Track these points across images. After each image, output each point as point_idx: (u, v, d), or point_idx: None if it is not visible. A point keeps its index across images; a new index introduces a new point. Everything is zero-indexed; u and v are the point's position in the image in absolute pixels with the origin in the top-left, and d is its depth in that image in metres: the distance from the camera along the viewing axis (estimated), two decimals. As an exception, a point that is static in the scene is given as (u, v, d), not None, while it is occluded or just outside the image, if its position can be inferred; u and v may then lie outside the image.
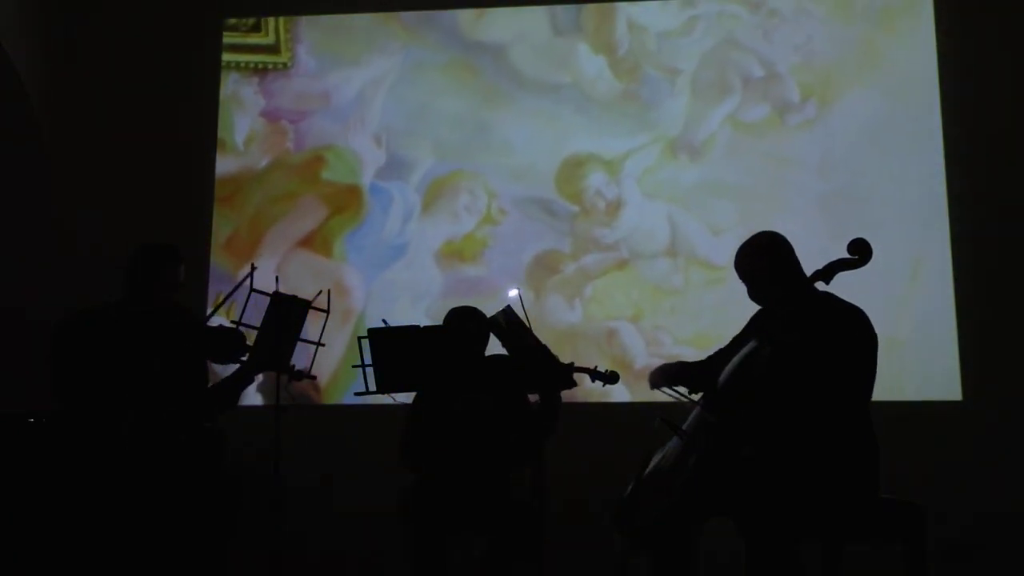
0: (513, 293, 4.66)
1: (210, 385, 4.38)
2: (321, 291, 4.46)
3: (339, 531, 5.79)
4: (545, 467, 4.34)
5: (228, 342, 4.29)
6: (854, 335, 3.64)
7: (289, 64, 6.51)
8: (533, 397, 4.46)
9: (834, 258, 3.68)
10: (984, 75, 5.95)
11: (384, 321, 4.52)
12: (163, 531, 3.98)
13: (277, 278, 4.49)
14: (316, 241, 6.28)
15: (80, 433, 4.01)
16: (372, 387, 4.37)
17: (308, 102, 6.45)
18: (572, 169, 6.14)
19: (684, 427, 3.77)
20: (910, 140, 5.93)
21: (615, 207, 6.07)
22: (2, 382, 5.48)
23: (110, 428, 4.00)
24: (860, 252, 3.63)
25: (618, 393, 5.54)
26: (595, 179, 6.12)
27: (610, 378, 4.31)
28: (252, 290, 4.28)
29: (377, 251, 6.18)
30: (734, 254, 3.93)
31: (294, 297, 4.42)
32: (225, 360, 4.35)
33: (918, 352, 5.73)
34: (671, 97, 6.16)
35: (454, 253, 6.14)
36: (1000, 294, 5.75)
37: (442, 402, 4.44)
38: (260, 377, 4.84)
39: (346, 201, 6.30)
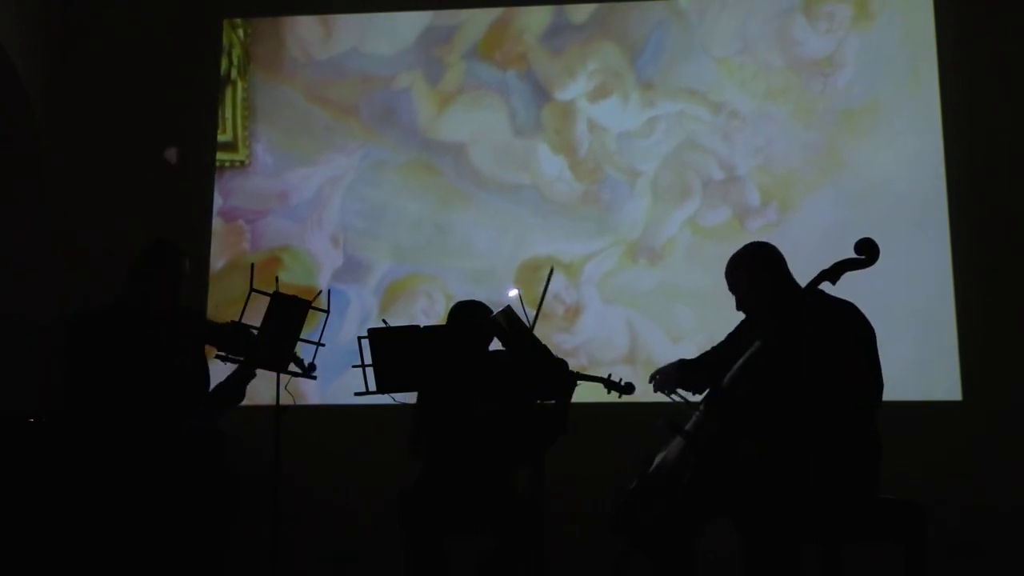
0: (513, 293, 4.67)
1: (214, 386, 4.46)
2: (321, 291, 4.59)
3: (339, 531, 5.79)
4: (544, 467, 4.29)
5: (236, 336, 4.38)
6: (854, 331, 3.74)
7: (247, 162, 6.45)
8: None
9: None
10: (983, 73, 5.98)
11: (384, 321, 4.54)
12: (163, 530, 4.01)
13: (277, 278, 4.57)
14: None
15: (83, 433, 4.05)
16: (372, 387, 4.36)
17: (265, 201, 6.39)
18: (531, 273, 6.07)
19: (687, 427, 3.80)
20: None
21: (574, 312, 5.99)
22: (1, 382, 5.54)
23: (119, 427, 4.04)
24: (867, 252, 3.61)
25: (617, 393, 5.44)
26: (554, 283, 6.00)
27: (626, 389, 4.30)
28: (252, 290, 4.34)
29: (333, 355, 6.05)
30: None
31: (294, 297, 4.49)
32: (235, 352, 4.41)
33: (918, 352, 5.70)
34: (631, 199, 6.12)
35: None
36: (1000, 294, 5.77)
37: (445, 401, 4.45)
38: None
39: (303, 304, 6.20)
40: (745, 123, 6.12)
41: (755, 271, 3.97)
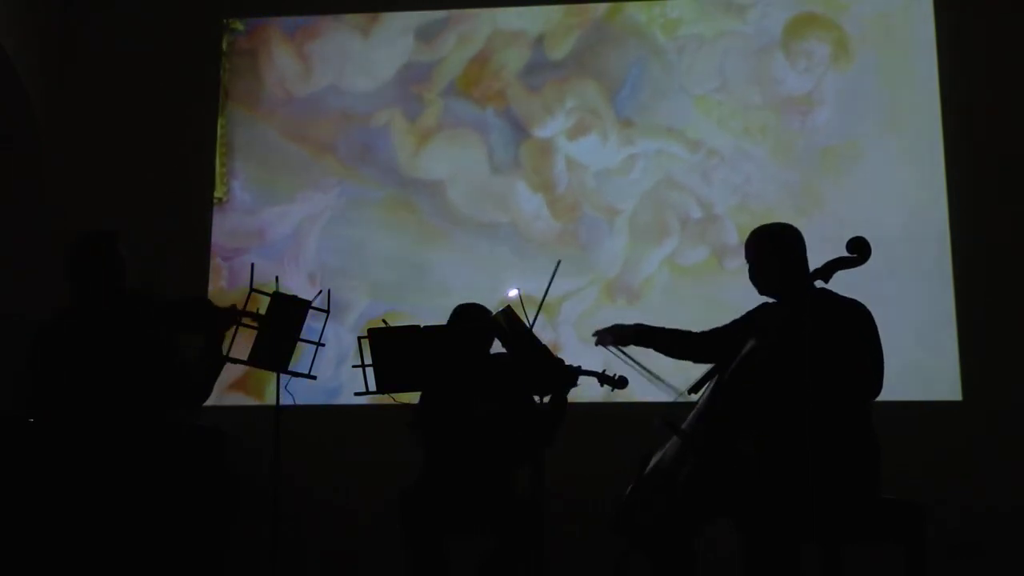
0: (513, 293, 4.68)
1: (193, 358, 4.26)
2: (321, 291, 4.61)
3: (339, 531, 5.80)
4: (544, 467, 4.29)
5: (195, 310, 4.20)
6: (859, 328, 3.72)
7: (224, 199, 6.42)
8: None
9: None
10: (983, 71, 6.00)
11: (384, 321, 4.57)
12: (162, 531, 3.94)
13: (277, 278, 4.62)
14: (249, 384, 6.14)
15: (79, 434, 3.96)
16: (372, 387, 4.38)
17: (243, 239, 6.36)
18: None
19: (684, 427, 3.80)
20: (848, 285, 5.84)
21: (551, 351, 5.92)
22: (1, 382, 5.51)
23: (105, 429, 3.94)
24: (859, 251, 3.60)
25: (617, 393, 5.38)
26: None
27: (619, 383, 4.32)
28: (252, 290, 4.34)
29: (311, 394, 6.02)
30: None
31: (294, 297, 4.53)
32: (197, 329, 4.22)
33: (918, 352, 5.68)
34: (609, 238, 6.10)
35: (388, 396, 5.99)
36: (1000, 294, 5.78)
37: (445, 401, 4.46)
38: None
39: (279, 342, 6.16)
40: (723, 161, 6.10)
41: (764, 253, 3.94)
